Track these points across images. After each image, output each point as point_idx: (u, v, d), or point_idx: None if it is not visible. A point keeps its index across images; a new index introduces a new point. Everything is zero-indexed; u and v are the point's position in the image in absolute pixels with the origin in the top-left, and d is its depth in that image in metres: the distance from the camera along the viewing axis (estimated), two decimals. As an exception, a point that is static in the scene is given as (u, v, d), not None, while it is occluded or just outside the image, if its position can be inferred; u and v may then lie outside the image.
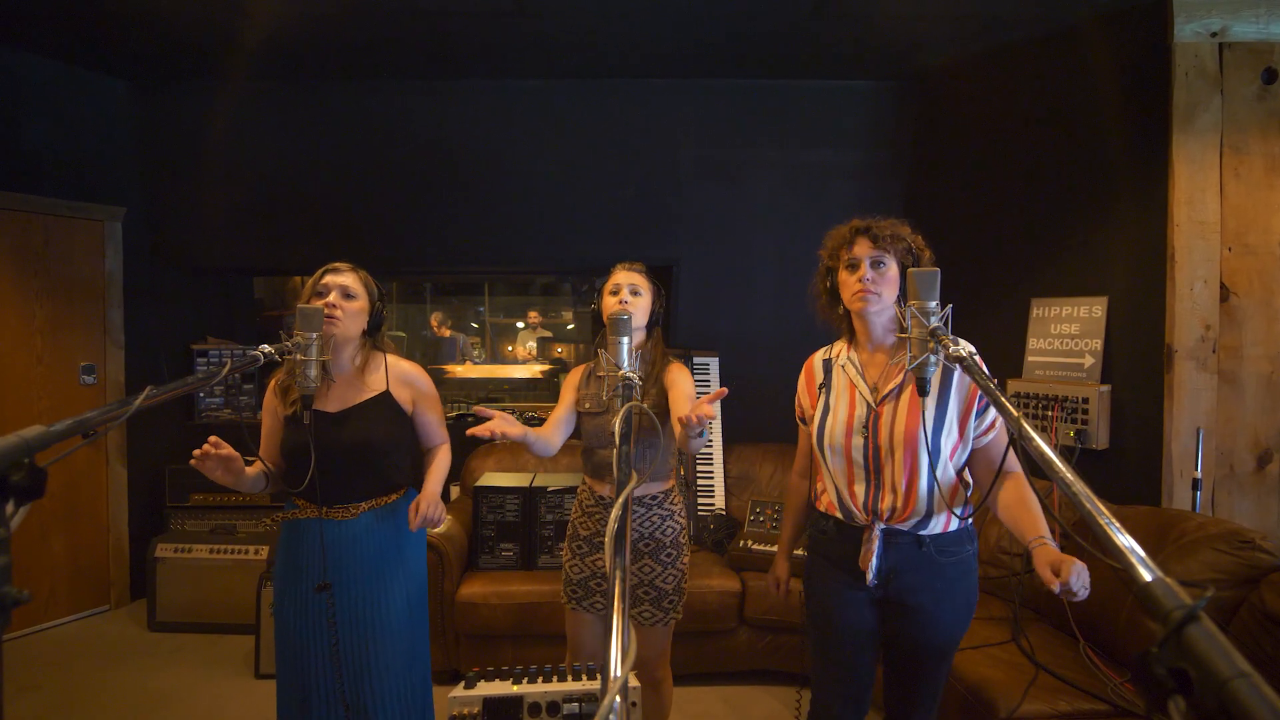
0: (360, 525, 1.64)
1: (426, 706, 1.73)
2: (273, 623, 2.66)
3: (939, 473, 1.40)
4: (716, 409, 1.44)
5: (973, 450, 1.45)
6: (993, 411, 1.40)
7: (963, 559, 1.46)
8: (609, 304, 1.82)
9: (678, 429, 1.56)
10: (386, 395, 1.68)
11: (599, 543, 1.81)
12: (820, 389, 1.56)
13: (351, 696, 1.59)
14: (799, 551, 2.56)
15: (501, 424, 1.50)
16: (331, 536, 1.61)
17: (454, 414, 3.81)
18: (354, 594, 1.61)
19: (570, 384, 1.93)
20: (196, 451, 1.41)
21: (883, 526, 1.43)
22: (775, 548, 2.65)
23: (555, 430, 1.83)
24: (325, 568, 1.60)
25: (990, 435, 1.43)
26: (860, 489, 1.45)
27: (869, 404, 1.45)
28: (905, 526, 1.42)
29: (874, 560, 1.42)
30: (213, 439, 1.43)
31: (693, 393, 1.78)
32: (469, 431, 1.48)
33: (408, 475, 1.73)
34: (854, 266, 1.45)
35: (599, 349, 1.84)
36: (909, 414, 1.40)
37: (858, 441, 1.44)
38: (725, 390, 1.45)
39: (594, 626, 1.86)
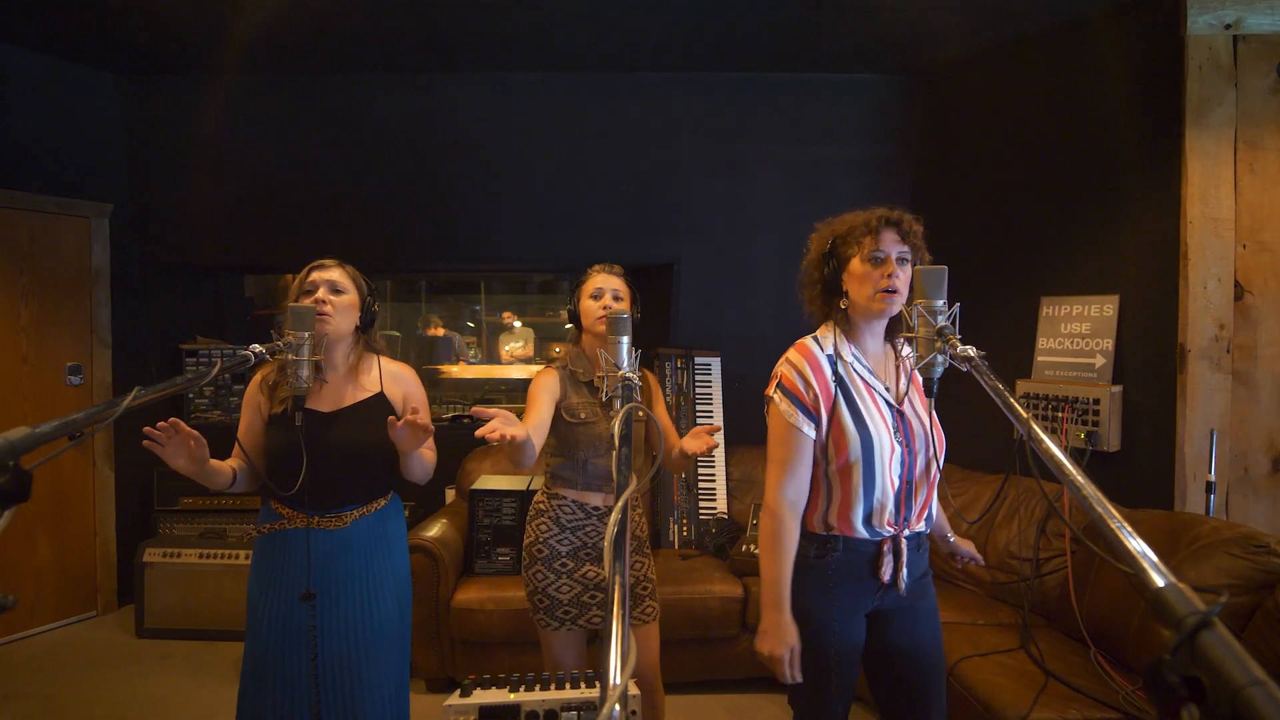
0: (352, 533, 1.59)
1: (405, 712, 1.68)
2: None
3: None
4: (719, 437, 1.46)
5: None
6: None
7: (928, 551, 1.48)
8: (591, 308, 1.78)
9: (677, 448, 1.57)
10: (381, 396, 1.64)
11: (585, 556, 1.77)
12: (835, 389, 1.37)
13: (332, 710, 1.53)
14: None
15: (504, 425, 1.38)
16: (321, 547, 1.56)
17: (449, 415, 3.75)
18: (346, 604, 1.56)
19: (544, 389, 1.73)
20: (148, 430, 1.29)
21: (908, 533, 1.39)
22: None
23: (537, 436, 1.70)
24: (310, 578, 1.54)
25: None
26: (892, 497, 1.36)
27: (892, 407, 1.39)
28: (921, 528, 1.42)
29: (905, 571, 1.38)
30: (172, 420, 1.32)
31: (664, 408, 1.89)
32: (478, 433, 1.37)
33: (391, 480, 1.68)
34: (879, 260, 1.34)
35: (590, 352, 1.81)
36: (932, 414, 1.39)
37: (897, 449, 1.36)
38: (718, 426, 1.56)
39: (581, 644, 1.80)
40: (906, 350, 1.47)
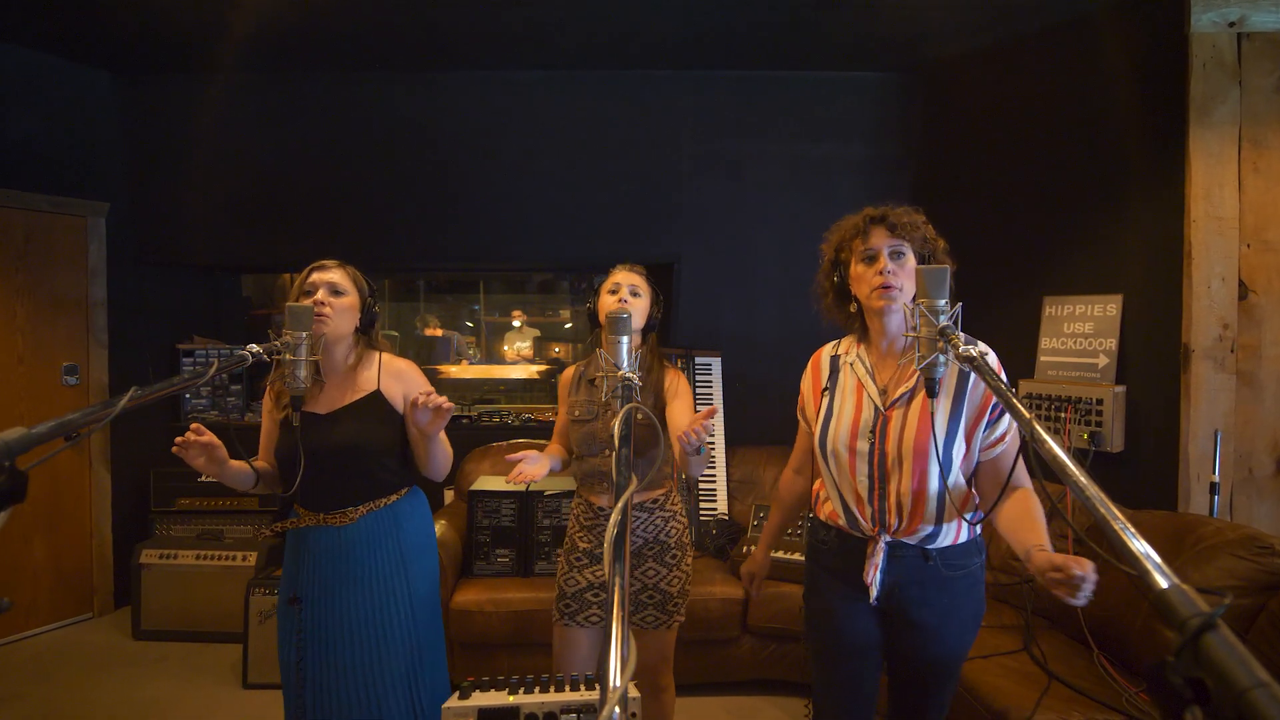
0: (359, 530, 1.58)
1: (429, 707, 1.65)
2: (261, 631, 2.61)
3: (950, 482, 1.32)
4: (711, 424, 1.44)
5: (980, 463, 1.36)
6: (1005, 422, 1.32)
7: (970, 572, 1.39)
8: (607, 303, 1.77)
9: (677, 448, 1.55)
10: (377, 394, 1.62)
11: (599, 554, 1.76)
12: (825, 389, 1.46)
13: (330, 712, 1.53)
14: (794, 555, 2.54)
15: (531, 469, 1.62)
16: (327, 544, 1.56)
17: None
18: (352, 601, 1.55)
19: (561, 399, 1.92)
20: (179, 439, 1.39)
21: (888, 539, 1.35)
22: (781, 553, 2.60)
23: (560, 445, 1.90)
24: (301, 579, 1.56)
25: (1000, 448, 1.34)
26: (865, 498, 1.36)
27: (877, 407, 1.37)
28: (912, 540, 1.35)
29: (877, 575, 1.35)
30: (195, 425, 1.41)
31: (693, 406, 1.79)
32: (511, 478, 1.61)
33: (402, 476, 1.65)
34: (871, 259, 1.36)
35: (597, 349, 1.79)
36: (920, 421, 1.32)
37: (862, 447, 1.35)
38: (715, 408, 1.57)
39: (583, 645, 1.79)
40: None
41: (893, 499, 1.34)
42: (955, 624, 1.38)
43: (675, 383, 1.78)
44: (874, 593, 1.35)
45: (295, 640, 1.55)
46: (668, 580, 1.77)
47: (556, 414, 1.93)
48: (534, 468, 1.63)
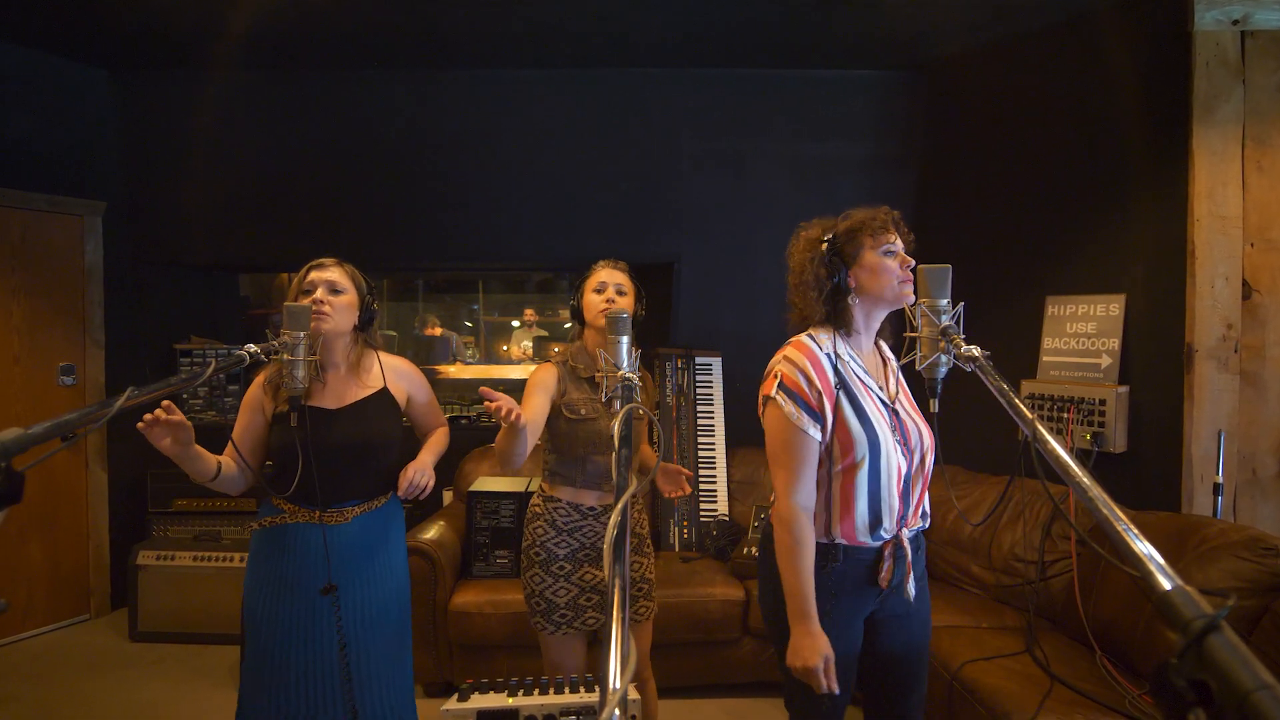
0: (353, 530, 1.60)
1: (412, 711, 1.68)
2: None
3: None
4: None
5: None
6: None
7: (925, 551, 1.48)
8: (593, 301, 1.77)
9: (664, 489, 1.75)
10: (385, 392, 1.67)
11: (583, 557, 1.75)
12: (837, 389, 1.33)
13: (357, 701, 1.54)
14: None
15: (511, 401, 1.39)
16: (318, 542, 1.55)
17: (446, 416, 3.72)
18: (352, 598, 1.57)
19: (541, 386, 1.71)
20: (146, 415, 1.28)
21: (908, 532, 1.38)
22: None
23: (531, 433, 1.69)
24: (330, 571, 1.54)
25: None
26: (899, 499, 1.36)
27: (888, 404, 1.38)
28: (920, 525, 1.42)
29: (911, 574, 1.39)
30: (166, 403, 1.30)
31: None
32: (488, 405, 1.36)
33: (394, 477, 1.66)
34: (894, 254, 1.35)
35: (579, 344, 1.81)
36: (916, 411, 1.42)
37: (896, 446, 1.36)
38: (691, 474, 1.70)
39: (581, 649, 1.79)
40: (889, 352, 1.50)
41: (917, 493, 1.39)
42: (928, 605, 1.47)
43: (648, 388, 1.90)
44: (913, 591, 1.38)
45: (336, 631, 1.54)
46: (648, 568, 1.84)
47: (526, 406, 1.68)
48: (520, 410, 1.43)
